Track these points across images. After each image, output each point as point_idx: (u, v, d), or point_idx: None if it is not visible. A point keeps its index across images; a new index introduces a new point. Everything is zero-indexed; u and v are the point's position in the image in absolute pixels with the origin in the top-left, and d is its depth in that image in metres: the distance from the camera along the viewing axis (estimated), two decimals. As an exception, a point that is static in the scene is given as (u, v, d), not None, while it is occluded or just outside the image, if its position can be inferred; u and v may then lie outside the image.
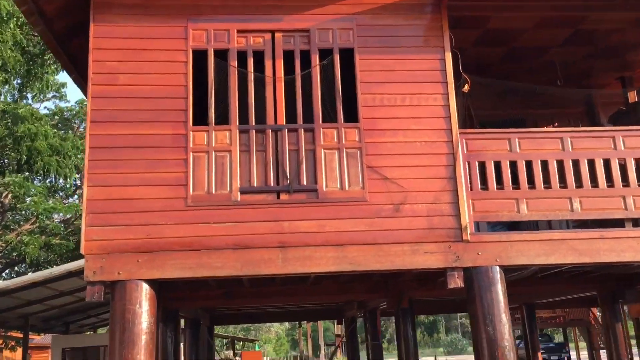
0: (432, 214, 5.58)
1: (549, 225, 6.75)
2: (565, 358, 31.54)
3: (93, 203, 5.37)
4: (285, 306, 13.77)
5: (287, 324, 74.03)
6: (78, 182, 23.83)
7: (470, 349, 63.14)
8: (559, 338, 39.52)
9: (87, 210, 5.36)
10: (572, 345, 35.26)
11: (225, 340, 34.51)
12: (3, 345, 25.85)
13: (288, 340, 70.79)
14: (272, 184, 5.59)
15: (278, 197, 5.57)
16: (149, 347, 5.12)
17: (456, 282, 5.47)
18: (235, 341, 35.13)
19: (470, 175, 5.72)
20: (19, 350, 29.75)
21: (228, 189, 5.53)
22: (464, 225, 5.52)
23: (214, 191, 5.52)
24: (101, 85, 5.64)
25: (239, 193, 5.52)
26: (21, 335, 28.25)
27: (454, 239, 5.53)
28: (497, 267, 5.48)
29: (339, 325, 20.45)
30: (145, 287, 5.23)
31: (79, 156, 16.66)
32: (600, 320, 33.63)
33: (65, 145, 15.49)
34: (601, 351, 31.72)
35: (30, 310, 20.60)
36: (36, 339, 31.89)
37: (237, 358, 27.69)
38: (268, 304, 10.97)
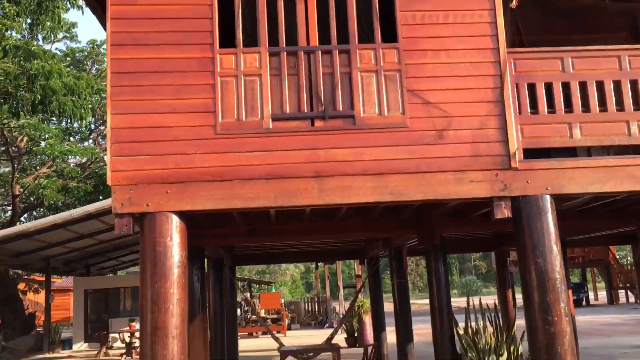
0: (478, 140, 5.22)
1: (589, 154, 6.36)
2: (584, 298, 31.61)
3: (118, 132, 5.06)
4: (307, 245, 13.64)
5: (302, 267, 75.07)
6: (93, 126, 23.61)
7: (485, 290, 63.79)
8: (577, 279, 39.55)
9: (112, 139, 5.05)
10: (590, 286, 35.21)
11: (241, 283, 34.88)
12: (27, 289, 26.28)
13: (303, 284, 71.92)
14: (305, 110, 5.23)
15: (312, 124, 5.22)
16: (182, 281, 4.91)
17: (503, 212, 5.15)
18: (252, 284, 35.58)
19: (519, 98, 5.32)
20: (42, 293, 30.32)
21: (259, 115, 5.19)
22: (512, 152, 5.17)
23: (244, 118, 5.17)
24: (121, 5, 5.24)
25: (270, 120, 5.18)
26: (43, 278, 28.72)
27: (501, 166, 5.19)
28: (548, 196, 5.16)
29: (360, 266, 20.44)
30: (175, 219, 4.98)
31: (93, 97, 16.33)
32: (618, 260, 33.60)
33: (80, 84, 15.11)
34: (619, 291, 31.78)
35: (52, 252, 20.78)
36: (57, 282, 32.42)
37: (254, 300, 27.98)
38: (293, 242, 10.77)
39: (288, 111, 5.22)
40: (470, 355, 7.79)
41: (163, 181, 4.99)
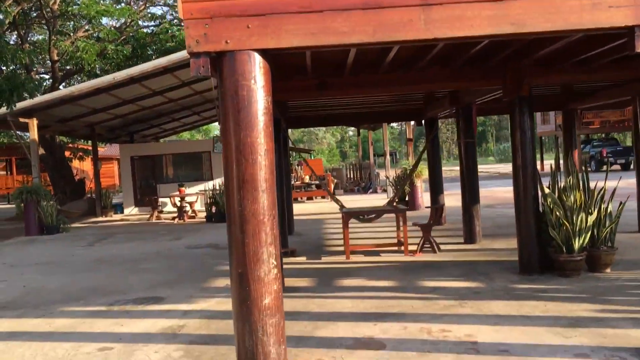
0: (620, -43, 4.27)
1: None
2: (632, 161, 30.86)
3: (186, -46, 4.25)
4: (360, 106, 12.96)
5: (337, 135, 75.07)
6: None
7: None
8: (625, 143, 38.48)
9: (180, -38, 4.26)
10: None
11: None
12: (72, 156, 26.57)
13: (338, 152, 72.26)
14: None
15: (416, -59, 4.31)
16: (269, 130, 4.33)
17: (646, 43, 4.31)
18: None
19: None
20: (87, 161, 30.75)
21: None
22: (660, -29, 4.22)
23: None
24: None
25: (365, -63, 4.28)
26: (87, 146, 28.93)
27: (645, -11, 4.27)
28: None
29: (412, 129, 19.79)
30: (258, 59, 4.29)
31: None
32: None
33: None
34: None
35: (96, 119, 20.59)
36: (100, 150, 32.76)
37: (299, 165, 27.93)
38: (364, 95, 10.02)
39: None
40: (557, 213, 7.28)
41: (243, 13, 4.24)
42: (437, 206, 9.73)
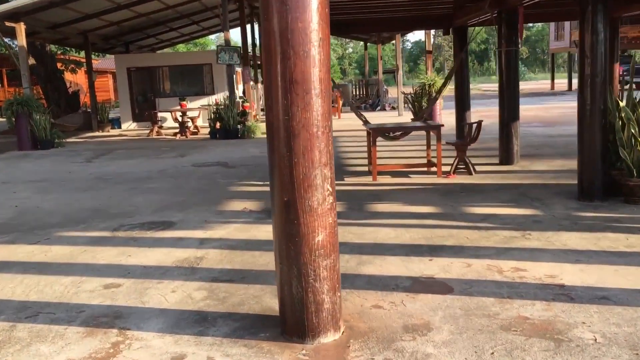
0: None
1: None
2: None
3: None
4: (381, 11, 11.66)
5: (339, 51, 72.77)
6: None
7: (529, 76, 61.33)
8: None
9: None
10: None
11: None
12: (63, 68, 25.09)
13: (339, 69, 70.23)
14: None
15: None
16: (325, 12, 3.23)
17: None
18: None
19: None
20: (80, 73, 29.19)
21: None
22: None
23: None
24: None
25: None
26: (79, 58, 27.34)
27: None
28: None
29: (430, 40, 18.39)
30: None
31: None
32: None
33: None
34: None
35: (89, 26, 19.04)
36: (95, 63, 31.21)
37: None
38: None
39: None
40: (632, 130, 6.28)
41: None
42: (475, 122, 8.69)
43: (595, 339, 3.24)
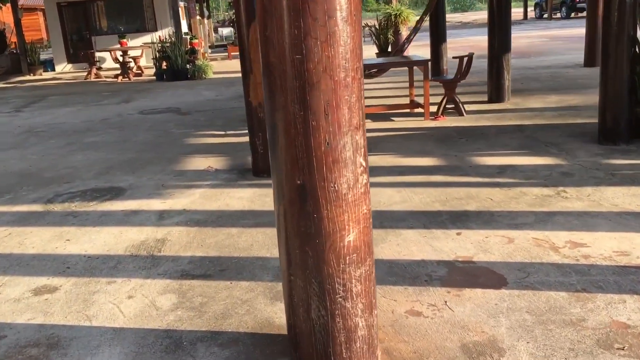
0: None
1: None
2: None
3: None
4: None
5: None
6: None
7: (479, 6, 60.34)
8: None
9: None
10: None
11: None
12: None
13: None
14: None
15: None
16: None
17: None
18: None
19: None
20: (5, 10, 26.38)
21: None
22: None
23: None
24: None
25: None
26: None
27: None
28: None
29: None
30: None
31: None
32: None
33: None
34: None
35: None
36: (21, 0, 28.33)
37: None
38: None
39: None
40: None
41: None
42: (465, 56, 7.59)
43: None
